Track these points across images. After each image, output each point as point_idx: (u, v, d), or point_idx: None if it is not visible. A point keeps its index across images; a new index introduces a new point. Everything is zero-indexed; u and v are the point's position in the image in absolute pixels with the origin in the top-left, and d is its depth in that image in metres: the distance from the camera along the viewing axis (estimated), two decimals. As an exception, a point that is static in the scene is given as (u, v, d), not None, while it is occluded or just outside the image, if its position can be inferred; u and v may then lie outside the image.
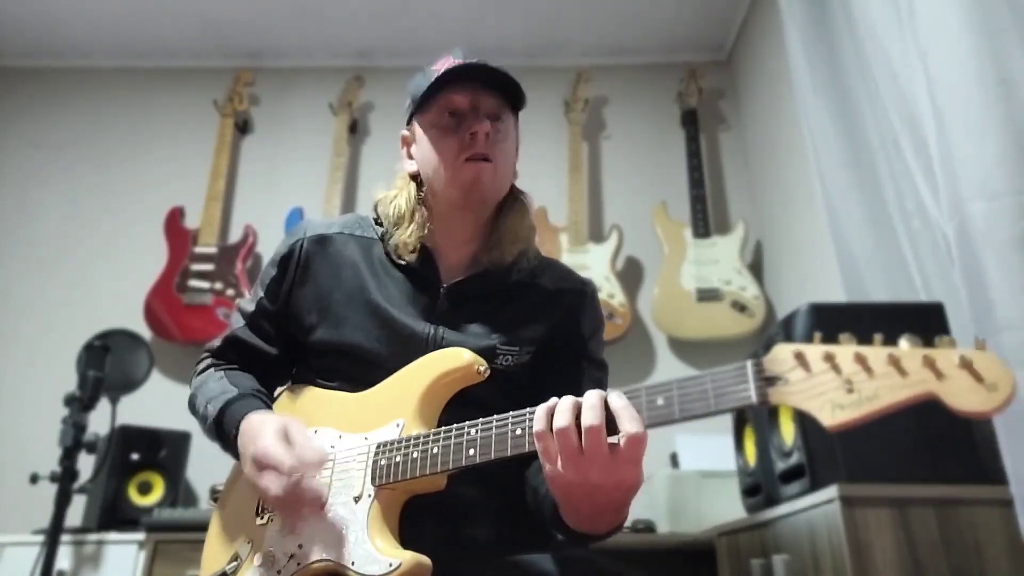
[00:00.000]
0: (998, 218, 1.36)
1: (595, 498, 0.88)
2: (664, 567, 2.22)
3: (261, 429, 1.02)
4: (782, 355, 0.74)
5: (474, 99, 1.13)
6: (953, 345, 0.67)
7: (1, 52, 3.61)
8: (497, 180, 1.16)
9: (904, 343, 0.69)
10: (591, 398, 0.84)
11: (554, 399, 0.87)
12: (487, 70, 1.13)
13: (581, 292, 1.24)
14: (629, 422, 0.82)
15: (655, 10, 3.36)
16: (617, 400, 0.84)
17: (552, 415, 0.85)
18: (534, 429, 0.87)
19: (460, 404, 1.05)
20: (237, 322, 1.23)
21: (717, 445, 2.27)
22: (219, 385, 1.15)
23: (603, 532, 0.99)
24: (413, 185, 1.21)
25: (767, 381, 0.75)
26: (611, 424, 0.84)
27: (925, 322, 1.57)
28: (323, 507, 0.99)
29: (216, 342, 1.24)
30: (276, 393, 1.23)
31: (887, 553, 1.30)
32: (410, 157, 1.23)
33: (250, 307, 1.23)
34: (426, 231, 1.17)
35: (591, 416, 0.83)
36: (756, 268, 3.14)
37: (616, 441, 0.83)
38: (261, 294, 1.22)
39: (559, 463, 0.85)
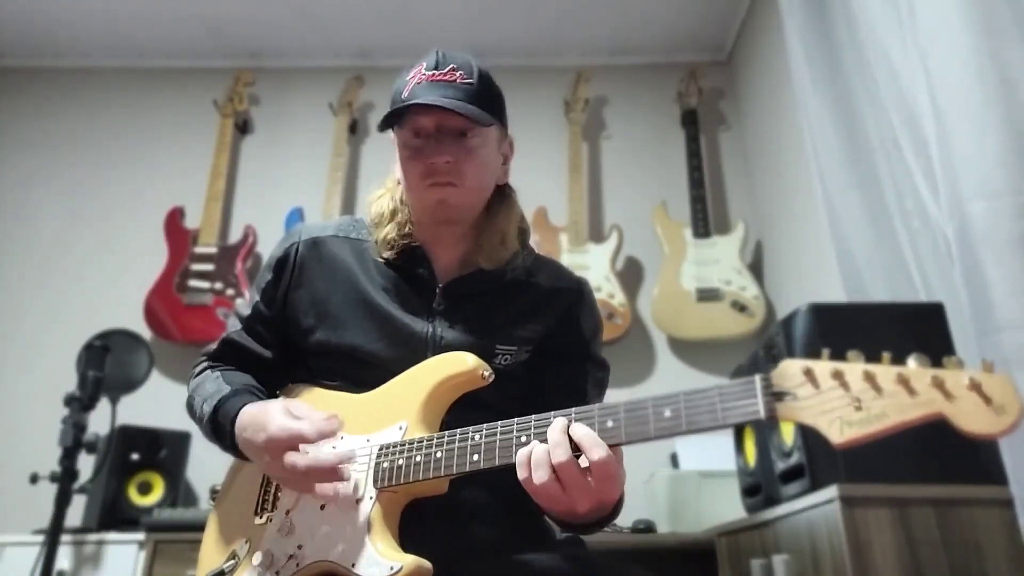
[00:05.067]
0: (998, 218, 1.36)
1: (588, 514, 0.91)
2: (664, 567, 2.21)
3: (265, 415, 1.02)
4: (791, 370, 0.75)
5: (439, 119, 1.12)
6: (962, 366, 0.68)
7: (1, 52, 3.61)
8: (465, 198, 1.15)
9: (912, 362, 0.70)
10: (554, 435, 0.87)
11: (524, 450, 0.89)
12: (449, 90, 1.11)
13: (578, 292, 1.25)
14: (592, 449, 0.85)
15: (655, 10, 3.36)
16: (578, 429, 0.87)
17: (530, 467, 0.87)
18: (520, 477, 0.89)
19: (461, 403, 1.05)
20: (233, 326, 1.24)
21: (717, 445, 2.27)
22: (215, 385, 1.15)
23: (603, 522, 1.01)
24: (400, 188, 1.22)
25: (775, 396, 0.75)
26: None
27: (925, 322, 1.57)
28: (347, 477, 0.99)
29: (212, 346, 1.25)
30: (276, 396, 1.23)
31: (887, 553, 1.30)
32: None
33: (246, 311, 1.23)
34: (407, 230, 1.19)
35: (559, 454, 0.86)
36: (756, 268, 3.14)
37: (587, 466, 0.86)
38: (257, 298, 1.23)
39: (549, 503, 0.88)
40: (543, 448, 0.87)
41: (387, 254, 1.18)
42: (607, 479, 0.86)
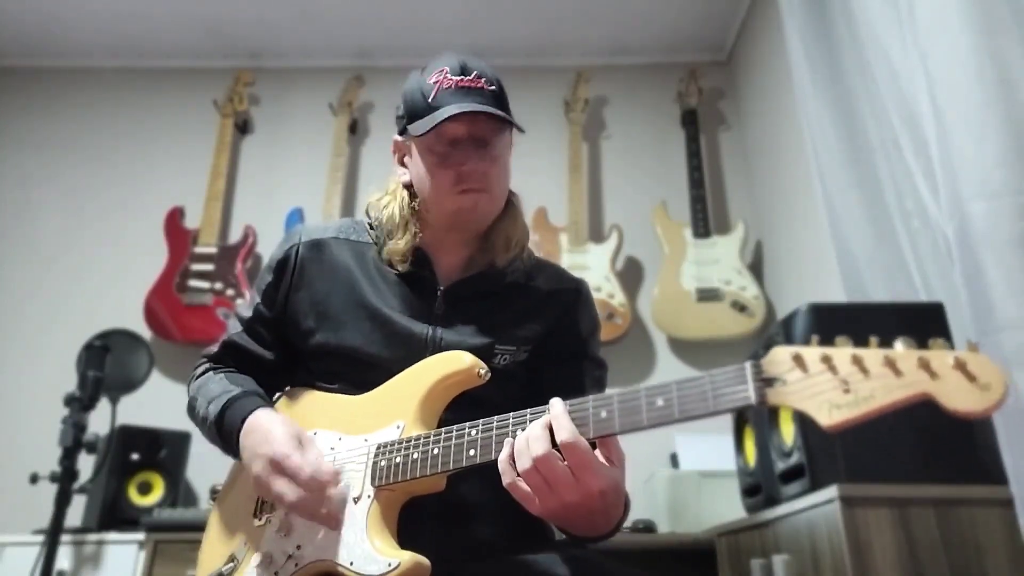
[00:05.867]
0: (998, 218, 1.36)
1: (579, 513, 0.90)
2: (664, 567, 2.21)
3: (273, 430, 1.02)
4: (780, 356, 0.76)
5: (470, 128, 1.13)
6: (947, 347, 0.69)
7: (1, 52, 3.61)
8: (492, 205, 1.18)
9: (899, 345, 0.71)
10: (533, 429, 0.87)
11: (508, 447, 0.89)
12: (482, 98, 1.12)
13: (576, 291, 1.25)
14: (558, 433, 0.85)
15: (655, 10, 3.36)
16: (554, 409, 0.87)
17: (513, 467, 0.88)
18: (504, 483, 0.88)
19: (461, 402, 1.06)
20: (234, 328, 1.24)
21: (717, 445, 2.27)
22: (220, 386, 1.15)
23: (604, 533, 1.00)
24: (406, 193, 1.21)
25: (765, 382, 0.76)
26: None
27: (925, 322, 1.57)
28: (338, 521, 0.99)
29: (213, 348, 1.25)
30: (274, 398, 1.23)
31: (887, 553, 1.30)
32: (402, 164, 1.24)
33: (247, 313, 1.23)
34: (418, 240, 1.19)
35: (536, 447, 0.85)
36: (756, 268, 3.14)
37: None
38: (258, 300, 1.23)
39: (537, 501, 0.87)
40: (523, 438, 0.87)
41: (402, 267, 1.17)
42: (582, 468, 0.85)
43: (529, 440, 0.86)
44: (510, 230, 1.21)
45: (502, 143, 1.17)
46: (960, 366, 0.67)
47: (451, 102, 1.11)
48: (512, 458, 0.88)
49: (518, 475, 0.87)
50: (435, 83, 1.14)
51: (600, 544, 1.03)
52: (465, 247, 1.22)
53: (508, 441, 0.89)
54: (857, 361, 0.71)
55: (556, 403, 0.88)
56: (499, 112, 1.12)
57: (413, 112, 1.16)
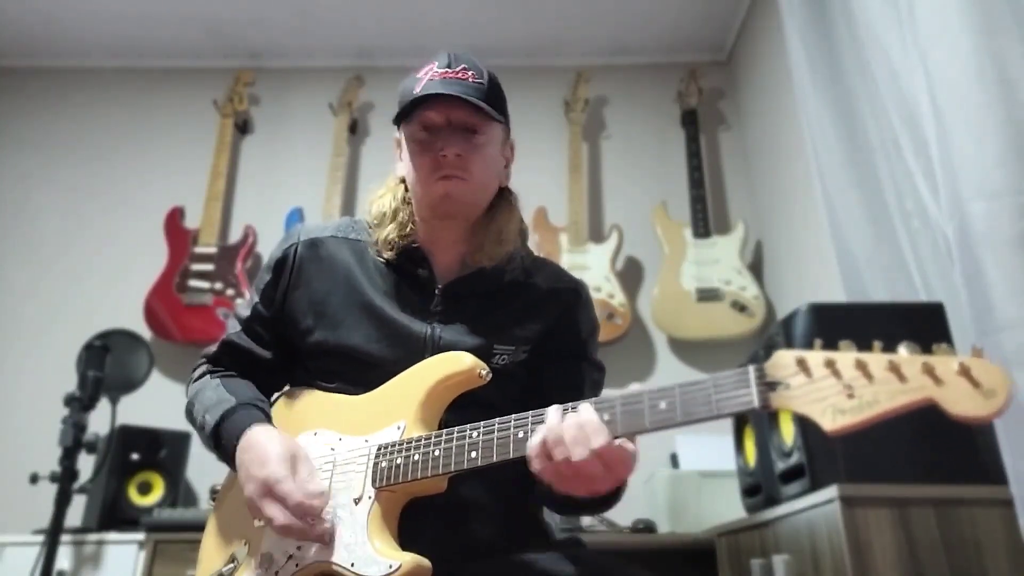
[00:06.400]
0: (998, 218, 1.36)
1: (597, 491, 0.90)
2: (664, 567, 2.21)
3: (268, 451, 1.02)
4: (784, 360, 0.76)
5: (448, 115, 1.14)
6: (951, 352, 0.69)
7: (1, 52, 3.61)
8: (471, 193, 1.16)
9: (903, 350, 0.71)
10: (570, 431, 0.85)
11: (538, 435, 0.87)
12: (461, 87, 1.13)
13: (576, 292, 1.25)
14: (594, 436, 0.84)
15: (655, 10, 3.36)
16: (585, 415, 0.86)
17: (547, 450, 0.86)
18: (534, 468, 0.88)
19: (460, 403, 1.06)
20: (233, 327, 1.24)
21: (717, 445, 2.27)
22: (216, 394, 1.14)
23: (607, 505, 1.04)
24: (402, 187, 1.23)
25: (769, 386, 0.76)
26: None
27: (925, 322, 1.57)
28: (328, 542, 0.99)
29: (212, 348, 1.25)
30: (274, 397, 1.23)
31: (887, 553, 1.30)
32: (400, 160, 1.25)
33: (245, 312, 1.23)
34: (408, 230, 1.19)
35: (578, 452, 0.84)
36: (756, 268, 3.14)
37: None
38: (256, 299, 1.23)
39: (564, 484, 0.88)
40: (573, 425, 0.86)
41: (388, 254, 1.18)
42: (618, 464, 0.86)
43: (567, 441, 0.85)
44: (502, 224, 1.21)
45: (488, 133, 1.16)
46: (964, 372, 0.67)
47: (431, 91, 1.12)
48: (544, 446, 0.87)
49: (549, 460, 0.86)
50: (422, 76, 1.16)
51: (601, 545, 1.04)
52: (459, 243, 1.21)
53: (540, 428, 0.88)
54: (861, 366, 0.71)
55: (584, 406, 0.87)
56: (471, 98, 1.11)
57: (400, 105, 1.17)
